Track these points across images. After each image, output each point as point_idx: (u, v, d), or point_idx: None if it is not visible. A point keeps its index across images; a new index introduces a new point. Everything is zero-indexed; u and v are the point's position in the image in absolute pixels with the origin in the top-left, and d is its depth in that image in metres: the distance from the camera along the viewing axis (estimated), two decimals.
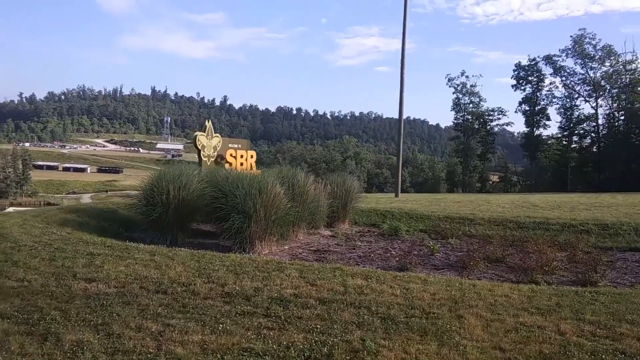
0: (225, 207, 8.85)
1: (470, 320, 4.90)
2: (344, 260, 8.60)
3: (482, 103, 56.24)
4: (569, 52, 49.67)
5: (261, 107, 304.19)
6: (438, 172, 77.53)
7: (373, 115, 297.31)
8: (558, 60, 50.58)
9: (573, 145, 52.19)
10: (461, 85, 55.75)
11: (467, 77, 55.43)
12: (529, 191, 46.27)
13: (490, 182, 57.75)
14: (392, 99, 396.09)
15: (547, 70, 51.61)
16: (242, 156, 22.59)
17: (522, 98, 52.96)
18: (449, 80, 56.19)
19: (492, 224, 12.93)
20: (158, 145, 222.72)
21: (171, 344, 4.40)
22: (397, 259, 8.95)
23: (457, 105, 56.56)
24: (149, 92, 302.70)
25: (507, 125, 55.89)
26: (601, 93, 49.28)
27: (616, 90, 48.72)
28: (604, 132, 49.62)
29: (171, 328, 4.71)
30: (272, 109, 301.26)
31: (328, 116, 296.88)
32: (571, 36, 49.26)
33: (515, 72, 53.28)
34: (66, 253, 7.28)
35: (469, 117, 56.53)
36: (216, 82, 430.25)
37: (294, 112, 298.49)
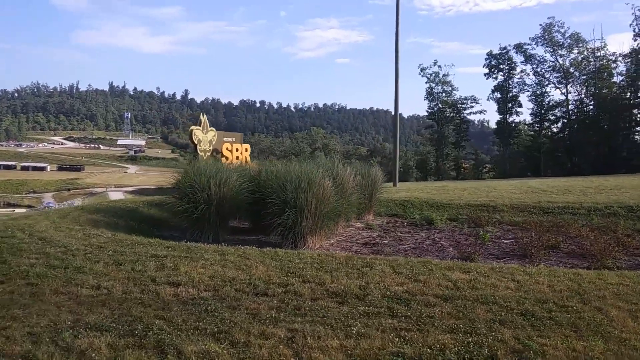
0: (276, 202, 8.41)
1: (612, 311, 4.67)
2: (401, 253, 8.31)
3: (454, 92, 56.84)
4: (539, 40, 50.63)
5: (224, 101, 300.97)
6: (407, 161, 78.80)
7: (337, 107, 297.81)
8: (528, 48, 51.53)
9: (545, 131, 53.31)
10: (434, 74, 56.12)
11: (439, 66, 55.87)
12: (503, 177, 47.00)
13: (463, 169, 58.49)
14: (355, 90, 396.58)
15: (518, 58, 52.55)
16: (237, 149, 22.05)
17: (495, 86, 53.77)
18: (422, 70, 56.47)
19: (516, 210, 12.84)
20: (119, 142, 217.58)
21: (310, 350, 4.02)
22: (452, 249, 8.73)
23: (430, 95, 56.89)
24: (106, 88, 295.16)
25: (480, 113, 56.65)
26: (570, 80, 50.41)
27: (584, 76, 49.91)
28: (574, 117, 50.83)
29: (300, 333, 4.31)
30: (235, 102, 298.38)
31: (292, 108, 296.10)
32: (540, 24, 50.20)
33: (487, 61, 53.99)
34: (128, 256, 6.73)
35: (442, 106, 56.99)
36: (176, 77, 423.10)
37: (258, 105, 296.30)
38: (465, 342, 4.10)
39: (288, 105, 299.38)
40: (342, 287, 5.41)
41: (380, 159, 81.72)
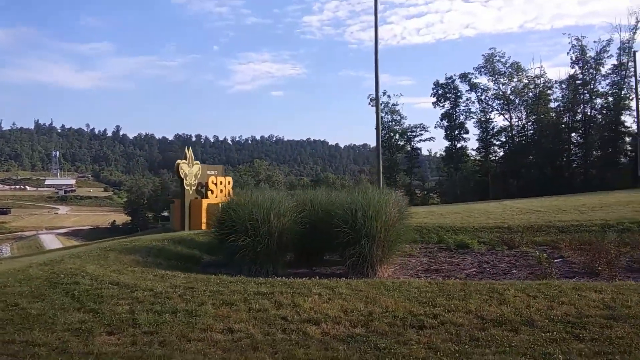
0: (347, 231, 8.17)
1: None
2: (474, 277, 8.24)
3: (403, 120, 58.38)
4: (482, 69, 53.16)
5: (158, 136, 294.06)
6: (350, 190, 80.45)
7: (274, 139, 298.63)
8: (472, 77, 53.96)
9: (491, 156, 55.59)
10: (383, 104, 57.46)
11: (388, 96, 57.34)
12: (455, 201, 48.35)
13: (417, 195, 59.76)
14: (291, 121, 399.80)
15: (463, 87, 54.87)
16: (221, 182, 21.50)
17: (442, 114, 55.74)
18: (371, 100, 57.74)
19: (533, 230, 13.08)
20: (47, 182, 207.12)
21: None
22: (516, 271, 8.75)
23: (381, 124, 58.17)
24: (32, 126, 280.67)
25: (429, 140, 58.20)
26: (512, 106, 53.13)
27: (525, 103, 52.74)
28: (517, 141, 53.37)
29: None
30: (170, 137, 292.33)
31: (229, 141, 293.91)
32: (483, 55, 52.77)
33: (434, 90, 56.04)
34: (228, 295, 6.29)
35: (392, 134, 58.35)
36: (107, 113, 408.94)
37: (194, 138, 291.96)
38: None
39: (225, 139, 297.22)
40: (497, 314, 5.24)
41: (324, 188, 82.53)
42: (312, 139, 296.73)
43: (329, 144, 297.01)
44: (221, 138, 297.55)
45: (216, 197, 20.94)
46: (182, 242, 11.64)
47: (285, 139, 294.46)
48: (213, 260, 10.68)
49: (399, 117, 57.98)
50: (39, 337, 5.19)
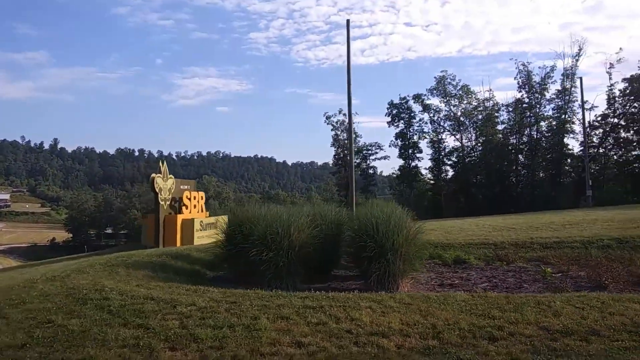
0: (372, 245, 8.25)
1: None
2: (494, 291, 8.48)
3: (358, 139, 59.29)
4: (434, 91, 54.98)
5: (98, 150, 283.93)
6: (300, 206, 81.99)
7: (221, 155, 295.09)
8: (425, 98, 55.65)
9: (443, 175, 57.26)
10: (339, 122, 58.29)
11: (344, 114, 58.19)
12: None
13: None
14: (238, 138, 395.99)
15: (416, 107, 56.44)
16: (194, 198, 21.11)
17: (396, 133, 56.99)
18: (327, 118, 58.44)
19: (519, 247, 13.58)
20: None
21: None
22: (527, 285, 9.07)
23: (336, 142, 58.85)
24: None
25: (384, 159, 59.25)
26: (463, 127, 55.09)
27: (474, 124, 54.82)
28: (468, 161, 55.30)
29: None
30: (111, 151, 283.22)
31: (174, 157, 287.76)
32: (435, 77, 54.63)
33: (389, 110, 57.33)
34: (276, 309, 6.21)
35: (347, 152, 59.13)
36: (43, 125, 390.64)
37: (136, 153, 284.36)
38: None
39: (170, 154, 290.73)
40: (559, 325, 5.43)
41: (276, 204, 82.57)
42: (259, 156, 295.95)
43: (277, 161, 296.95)
44: (166, 153, 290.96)
45: (190, 212, 20.52)
46: (179, 257, 11.35)
47: (232, 155, 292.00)
48: (217, 275, 10.50)
49: (354, 136, 58.75)
50: (97, 355, 4.97)
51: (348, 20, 23.47)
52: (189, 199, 20.50)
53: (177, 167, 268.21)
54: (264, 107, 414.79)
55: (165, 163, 19.82)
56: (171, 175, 20.01)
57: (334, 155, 59.80)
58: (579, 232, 15.18)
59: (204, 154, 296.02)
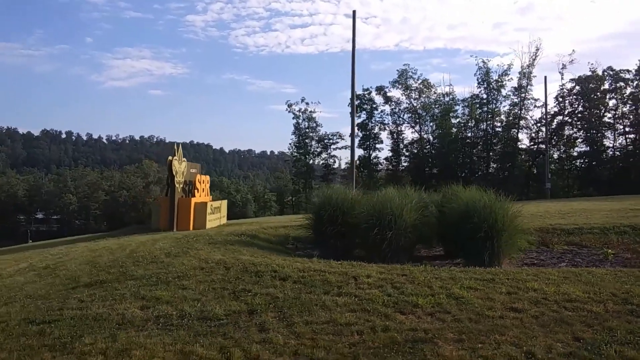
0: (483, 226, 8.96)
1: None
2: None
3: (319, 128, 60.08)
4: (395, 84, 56.54)
5: (22, 131, 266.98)
6: (244, 195, 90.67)
7: (155, 140, 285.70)
8: (387, 90, 57.16)
9: (401, 166, 59.17)
10: (300, 111, 58.79)
11: (307, 103, 58.67)
12: None
13: None
14: (172, 123, 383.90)
15: (378, 99, 57.85)
16: (203, 181, 21.07)
17: (358, 124, 58.13)
18: (289, 106, 58.81)
19: (543, 232, 14.72)
20: None
21: None
22: (600, 264, 10.08)
23: (297, 130, 59.33)
24: None
25: (345, 149, 60.28)
26: (421, 120, 57.09)
27: (432, 117, 56.94)
28: (426, 153, 57.49)
29: None
30: (36, 132, 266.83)
31: (104, 140, 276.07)
32: (397, 70, 56.20)
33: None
34: (466, 281, 6.77)
35: (308, 141, 59.77)
36: None
37: (64, 135, 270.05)
38: None
39: (100, 137, 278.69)
40: None
41: (217, 193, 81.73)
42: (195, 142, 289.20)
43: (213, 147, 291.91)
44: (95, 136, 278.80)
45: (200, 196, 20.43)
46: (255, 237, 11.59)
47: (167, 140, 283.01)
48: (306, 252, 10.85)
49: (314, 125, 59.45)
50: (336, 318, 5.38)
51: (354, 11, 24.12)
52: (200, 182, 20.42)
53: (107, 151, 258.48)
54: (200, 93, 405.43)
55: (180, 147, 19.60)
56: (184, 159, 19.83)
57: (294, 143, 60.17)
58: (585, 220, 16.58)
59: (137, 138, 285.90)
